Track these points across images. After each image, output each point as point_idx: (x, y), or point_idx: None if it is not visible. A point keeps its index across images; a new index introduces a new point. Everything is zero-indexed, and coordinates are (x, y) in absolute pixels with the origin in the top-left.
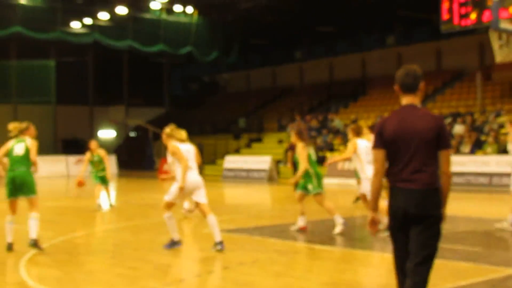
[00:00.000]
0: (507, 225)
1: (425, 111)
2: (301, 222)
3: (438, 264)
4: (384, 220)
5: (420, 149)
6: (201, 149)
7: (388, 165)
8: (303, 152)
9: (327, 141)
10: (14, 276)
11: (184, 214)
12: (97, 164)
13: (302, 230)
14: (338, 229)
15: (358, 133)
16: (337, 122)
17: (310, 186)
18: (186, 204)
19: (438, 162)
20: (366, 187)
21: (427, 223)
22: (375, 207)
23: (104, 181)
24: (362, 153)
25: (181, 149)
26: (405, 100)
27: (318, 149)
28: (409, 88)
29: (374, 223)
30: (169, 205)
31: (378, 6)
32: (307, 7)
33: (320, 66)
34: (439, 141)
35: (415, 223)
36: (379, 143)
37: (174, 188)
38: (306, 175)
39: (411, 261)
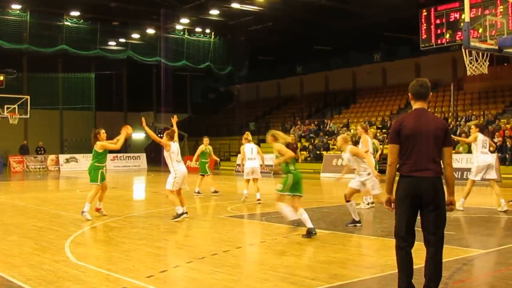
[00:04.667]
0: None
1: (433, 114)
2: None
3: (417, 245)
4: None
5: (432, 144)
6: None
7: (403, 157)
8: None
9: (323, 141)
10: (60, 254)
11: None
12: (207, 156)
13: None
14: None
15: (366, 130)
16: (331, 126)
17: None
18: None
19: (441, 156)
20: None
21: (438, 205)
22: (390, 191)
23: (206, 170)
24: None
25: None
26: (417, 105)
27: (316, 148)
28: (422, 95)
29: (389, 202)
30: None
31: (366, 28)
32: (306, 29)
33: (317, 79)
34: (445, 138)
35: (427, 206)
36: (395, 139)
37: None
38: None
39: (431, 235)
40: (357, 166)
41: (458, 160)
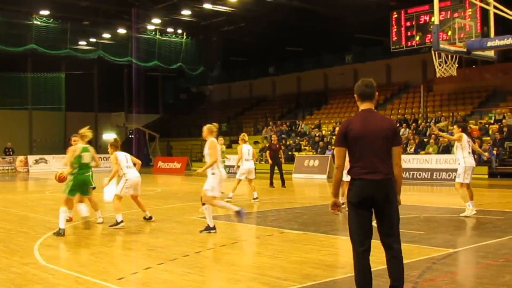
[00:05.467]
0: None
1: (381, 114)
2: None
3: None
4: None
5: (381, 145)
6: (169, 149)
7: (352, 160)
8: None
9: (295, 142)
10: (29, 256)
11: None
12: (223, 156)
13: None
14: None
15: None
16: (303, 126)
17: None
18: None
19: (391, 157)
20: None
21: (391, 207)
22: (336, 194)
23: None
24: None
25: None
26: (364, 106)
27: (288, 149)
28: (368, 96)
29: (336, 206)
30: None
31: (338, 29)
32: (278, 31)
33: (290, 79)
34: (394, 138)
35: (380, 208)
36: (342, 142)
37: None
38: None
39: (387, 237)
40: None
41: (428, 161)
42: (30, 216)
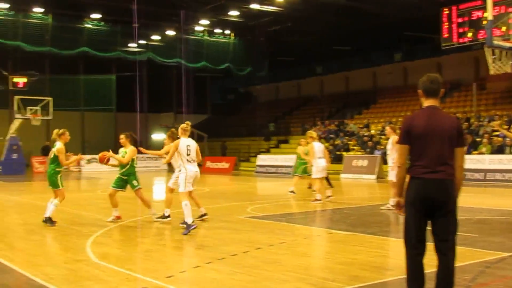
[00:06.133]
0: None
1: (445, 113)
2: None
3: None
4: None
5: (445, 144)
6: (224, 149)
7: (413, 158)
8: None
9: (343, 142)
10: (81, 253)
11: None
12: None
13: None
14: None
15: (395, 131)
16: (352, 126)
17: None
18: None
19: (454, 157)
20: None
21: (450, 210)
22: (400, 194)
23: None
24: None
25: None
26: (428, 102)
27: (336, 149)
28: (433, 92)
29: (399, 206)
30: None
31: (387, 27)
32: (326, 29)
33: (337, 79)
34: (458, 138)
35: (439, 210)
36: (405, 139)
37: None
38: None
39: (442, 242)
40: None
41: (481, 161)
42: (82, 214)
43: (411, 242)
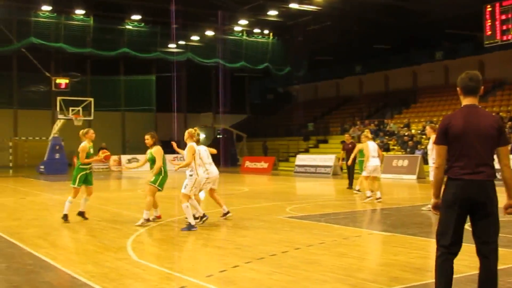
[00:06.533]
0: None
1: (485, 111)
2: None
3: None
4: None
5: (485, 144)
6: (265, 149)
7: (451, 159)
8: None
9: (383, 142)
10: (122, 252)
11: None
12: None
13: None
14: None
15: (435, 130)
16: (392, 126)
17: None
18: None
19: (495, 157)
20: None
21: (492, 212)
22: (438, 195)
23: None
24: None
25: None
26: (467, 101)
27: None
28: (472, 90)
29: (437, 207)
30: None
31: (427, 25)
32: (365, 28)
33: (377, 78)
34: (500, 137)
35: (479, 212)
36: (443, 140)
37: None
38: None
39: (484, 245)
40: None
41: None
42: (123, 214)
43: (444, 243)
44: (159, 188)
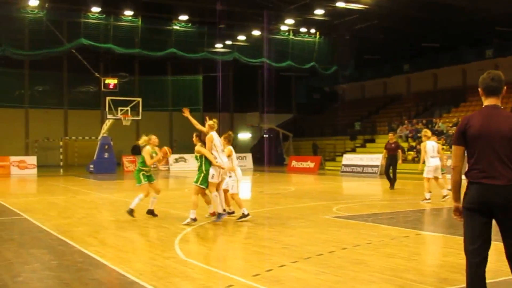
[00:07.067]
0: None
1: (507, 112)
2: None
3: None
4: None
5: (504, 147)
6: (315, 149)
7: (470, 161)
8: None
9: None
10: (170, 251)
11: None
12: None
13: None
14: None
15: None
16: (440, 125)
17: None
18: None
19: None
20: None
21: None
22: (457, 198)
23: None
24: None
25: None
26: (489, 101)
27: None
28: (494, 91)
29: (458, 211)
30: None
31: (477, 22)
32: (413, 26)
33: (425, 76)
34: None
35: (503, 217)
36: (460, 141)
37: None
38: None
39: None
40: None
41: None
42: (171, 212)
43: (470, 249)
44: (202, 186)
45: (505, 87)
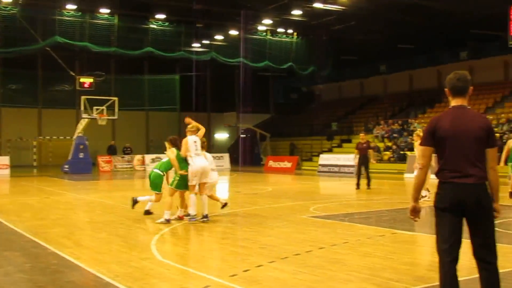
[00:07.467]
0: None
1: (474, 112)
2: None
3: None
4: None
5: (473, 146)
6: (292, 149)
7: (440, 161)
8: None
9: (407, 141)
10: (146, 252)
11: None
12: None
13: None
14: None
15: None
16: (416, 125)
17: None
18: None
19: (485, 159)
20: None
21: (485, 215)
22: (417, 198)
23: None
24: None
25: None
26: (455, 101)
27: (399, 148)
28: (460, 91)
29: (415, 211)
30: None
31: (452, 25)
32: (390, 28)
33: (401, 77)
34: (488, 139)
35: (473, 216)
36: (429, 141)
37: None
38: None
39: (481, 249)
40: None
41: None
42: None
43: (442, 247)
44: (176, 189)
45: (471, 87)
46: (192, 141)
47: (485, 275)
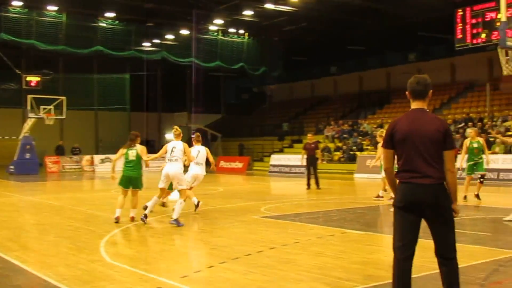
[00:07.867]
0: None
1: (432, 115)
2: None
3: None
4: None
5: (429, 148)
6: (241, 149)
7: (399, 163)
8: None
9: (357, 142)
10: (95, 254)
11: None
12: (476, 152)
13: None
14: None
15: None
16: (365, 126)
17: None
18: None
19: (443, 161)
20: None
21: (444, 214)
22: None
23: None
24: None
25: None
26: (415, 105)
27: (349, 148)
28: (419, 94)
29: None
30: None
31: (401, 28)
32: (341, 29)
33: (352, 79)
34: (445, 141)
35: (432, 215)
36: (389, 144)
37: None
38: None
39: (441, 246)
40: None
41: (494, 161)
42: (96, 214)
43: (397, 245)
44: (122, 187)
45: (431, 91)
46: (171, 146)
47: (445, 270)
